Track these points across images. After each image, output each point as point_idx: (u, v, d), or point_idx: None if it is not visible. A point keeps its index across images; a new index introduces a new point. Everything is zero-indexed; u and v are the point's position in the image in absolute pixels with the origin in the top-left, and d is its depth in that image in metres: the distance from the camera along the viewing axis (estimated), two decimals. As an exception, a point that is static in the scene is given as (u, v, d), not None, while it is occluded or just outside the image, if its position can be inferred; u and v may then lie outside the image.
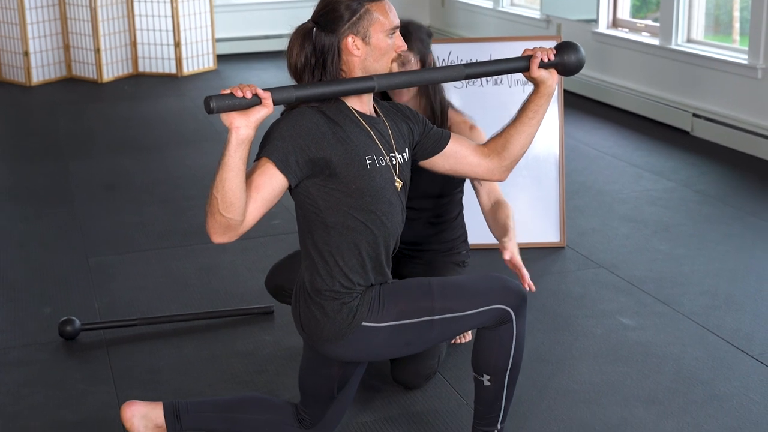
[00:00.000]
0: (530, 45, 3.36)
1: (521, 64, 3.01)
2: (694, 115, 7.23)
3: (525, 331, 2.95)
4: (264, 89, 2.63)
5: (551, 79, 3.02)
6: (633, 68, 8.05)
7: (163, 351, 4.04)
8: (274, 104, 2.65)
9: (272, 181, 2.72)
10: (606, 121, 7.82)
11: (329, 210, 2.79)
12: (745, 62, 6.77)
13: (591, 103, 8.36)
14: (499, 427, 3.06)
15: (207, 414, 3.15)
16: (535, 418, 3.47)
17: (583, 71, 8.51)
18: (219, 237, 2.69)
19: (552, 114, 5.14)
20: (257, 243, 5.20)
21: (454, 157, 3.06)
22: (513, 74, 5.06)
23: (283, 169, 2.71)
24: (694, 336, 4.08)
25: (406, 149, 2.96)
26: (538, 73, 3.00)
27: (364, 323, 2.83)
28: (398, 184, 2.88)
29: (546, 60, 3.00)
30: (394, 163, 2.88)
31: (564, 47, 3.03)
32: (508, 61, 3.02)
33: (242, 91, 2.59)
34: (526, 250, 5.02)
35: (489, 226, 3.64)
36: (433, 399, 3.62)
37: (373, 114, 2.91)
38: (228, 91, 2.59)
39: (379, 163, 2.83)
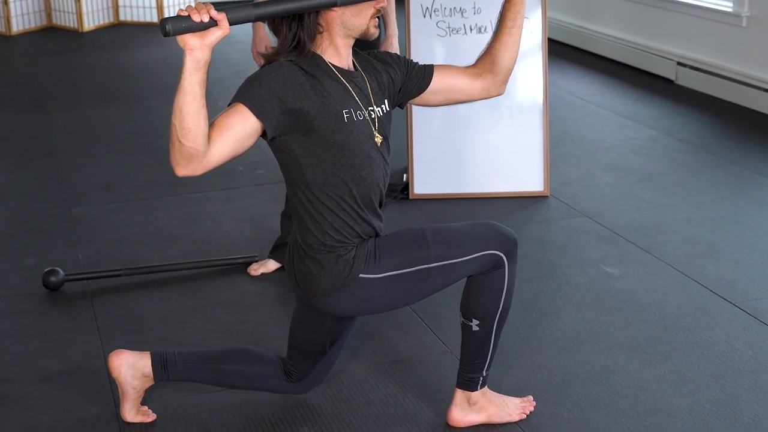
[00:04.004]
0: None
1: None
2: (678, 63, 7.23)
3: (515, 278, 2.97)
4: (219, 10, 2.60)
5: None
6: (617, 16, 8.02)
7: (147, 301, 4.04)
8: (231, 24, 2.59)
9: (244, 123, 2.66)
10: (590, 69, 7.80)
11: (310, 167, 2.78)
12: (729, 10, 6.75)
13: (575, 52, 8.34)
14: (484, 373, 3.07)
15: (194, 365, 3.15)
16: (519, 366, 3.50)
17: (566, 19, 8.49)
18: (182, 169, 2.59)
19: (536, 62, 5.12)
20: (241, 193, 5.19)
21: (444, 88, 3.04)
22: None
23: (258, 113, 2.66)
24: (677, 284, 4.10)
25: (386, 101, 2.94)
26: None
27: (361, 275, 2.83)
28: (378, 139, 2.87)
29: None
30: (372, 117, 2.86)
31: None
32: None
33: (199, 14, 2.55)
34: (509, 199, 5.03)
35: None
36: (417, 347, 3.63)
37: (351, 68, 2.89)
38: (185, 13, 2.55)
39: (356, 117, 2.81)
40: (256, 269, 4.26)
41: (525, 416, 3.17)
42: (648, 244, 4.48)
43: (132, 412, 3.17)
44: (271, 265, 4.26)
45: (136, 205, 5.10)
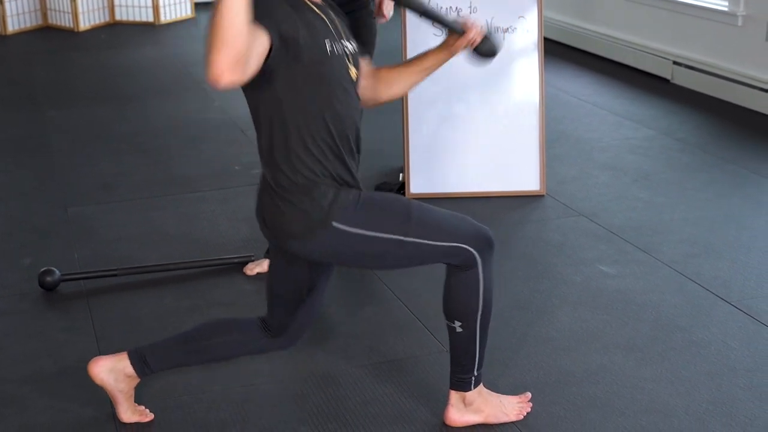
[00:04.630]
0: None
1: (455, 28, 3.01)
2: (675, 62, 7.23)
3: (492, 278, 2.97)
4: None
5: (459, 51, 3.05)
6: (613, 15, 8.02)
7: (143, 301, 4.04)
8: None
9: (259, 38, 2.54)
10: (586, 69, 7.81)
11: (290, 103, 2.72)
12: (725, 9, 6.76)
13: (571, 51, 8.34)
14: (476, 372, 3.07)
15: (173, 350, 3.13)
16: (515, 365, 3.50)
17: (562, 18, 8.50)
18: (230, 73, 2.36)
19: (532, 62, 5.12)
20: (237, 192, 5.19)
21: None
22: (494, 22, 5.07)
23: (268, 30, 2.57)
24: (673, 283, 4.10)
25: (351, 40, 2.92)
26: (460, 45, 3.02)
27: (334, 224, 2.79)
28: (353, 72, 2.85)
29: (472, 43, 3.01)
30: (346, 51, 2.85)
31: (486, 43, 3.03)
32: (447, 18, 3.04)
33: None
34: (506, 198, 5.04)
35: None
36: (413, 347, 3.64)
37: (321, 3, 2.86)
38: None
39: (335, 49, 2.78)
40: (252, 269, 4.25)
41: (523, 416, 3.17)
42: (644, 244, 4.48)
43: (128, 413, 3.17)
44: (267, 265, 4.25)
45: (132, 204, 5.09)
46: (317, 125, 2.77)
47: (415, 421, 3.18)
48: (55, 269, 4.12)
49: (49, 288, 4.10)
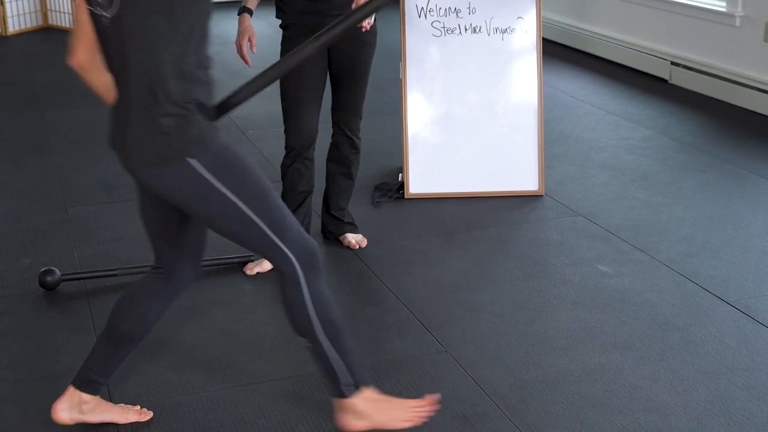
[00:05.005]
0: None
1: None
2: (672, 63, 7.25)
3: (325, 293, 2.91)
4: None
5: None
6: (611, 16, 8.04)
7: (143, 301, 4.05)
8: None
9: None
10: (584, 69, 7.82)
11: (181, 21, 2.64)
12: (723, 10, 6.77)
13: (569, 52, 8.35)
14: (351, 380, 2.98)
15: (106, 353, 3.09)
16: (514, 364, 3.51)
17: (561, 19, 8.51)
18: None
19: (530, 62, 5.14)
20: (237, 193, 5.20)
21: None
22: (493, 23, 5.09)
23: None
24: (671, 283, 4.12)
25: None
26: None
27: (190, 160, 2.69)
28: None
29: None
30: None
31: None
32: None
33: None
34: (504, 198, 5.05)
35: None
36: (412, 346, 3.65)
37: None
38: None
39: None
40: (252, 269, 4.27)
41: (419, 422, 3.05)
42: (642, 243, 4.49)
43: (120, 417, 3.18)
44: (267, 265, 4.27)
45: (132, 204, 5.09)
46: (197, 49, 2.69)
47: (414, 420, 3.19)
48: (55, 269, 4.14)
49: (49, 288, 4.11)
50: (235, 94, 2.85)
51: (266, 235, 2.81)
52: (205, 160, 2.71)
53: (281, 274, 2.88)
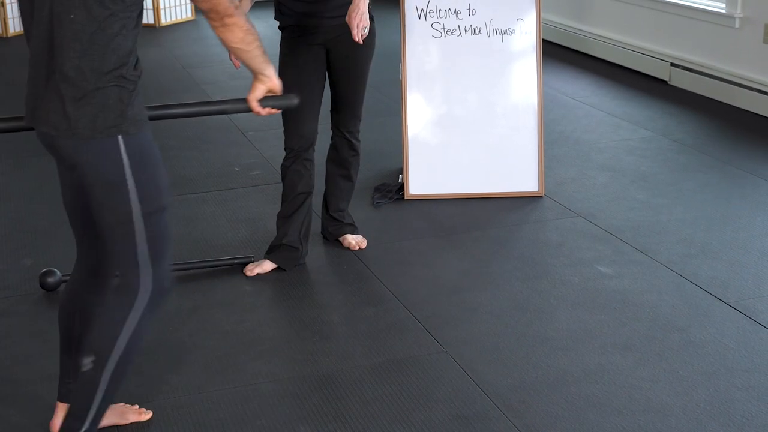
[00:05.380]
0: None
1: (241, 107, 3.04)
2: (672, 64, 7.25)
3: (147, 329, 2.85)
4: None
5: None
6: (611, 17, 8.04)
7: (144, 301, 4.05)
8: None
9: None
10: (584, 70, 7.82)
11: (133, 5, 2.64)
12: (723, 11, 6.78)
13: (569, 53, 8.36)
14: (87, 426, 2.85)
15: (73, 364, 3.00)
16: (514, 365, 3.52)
17: (560, 20, 8.52)
18: None
19: (530, 63, 5.14)
20: (237, 194, 5.21)
21: None
22: (493, 24, 5.09)
23: None
24: (671, 284, 4.12)
25: None
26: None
27: (119, 137, 2.65)
28: None
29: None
30: None
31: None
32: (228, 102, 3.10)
33: None
34: (504, 199, 5.05)
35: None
36: (412, 347, 3.65)
37: None
38: None
39: None
40: (252, 270, 4.27)
41: None
42: (642, 244, 4.50)
43: (119, 418, 3.18)
44: (267, 266, 4.27)
45: (132, 206, 5.10)
46: (135, 31, 2.67)
47: (415, 421, 3.19)
48: (55, 270, 4.14)
49: (50, 289, 4.12)
50: (161, 107, 2.94)
51: (137, 252, 2.75)
52: (131, 144, 2.68)
53: (125, 286, 2.78)
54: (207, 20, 2.82)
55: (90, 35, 2.61)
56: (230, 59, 4.21)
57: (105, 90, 2.63)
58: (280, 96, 3.03)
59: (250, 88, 2.98)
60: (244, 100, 3.00)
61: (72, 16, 2.60)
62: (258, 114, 3.00)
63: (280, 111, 3.09)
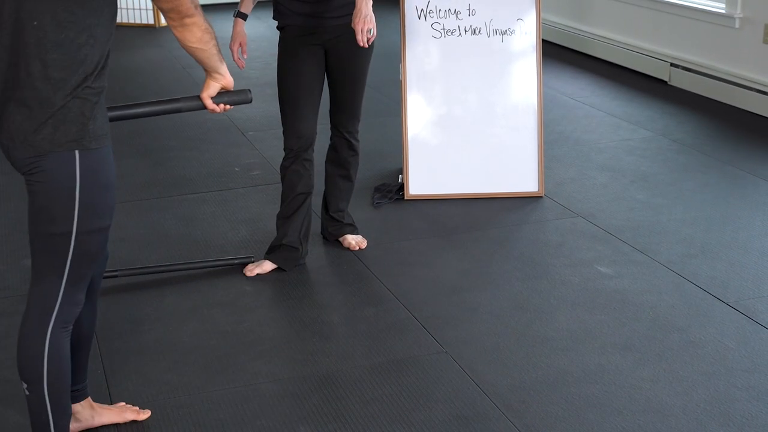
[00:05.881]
0: None
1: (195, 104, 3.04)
2: (672, 64, 7.25)
3: (65, 352, 2.80)
4: None
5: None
6: (610, 18, 8.04)
7: (143, 302, 4.06)
8: None
9: None
10: (584, 70, 7.83)
11: (109, 17, 2.64)
12: (722, 12, 6.78)
13: (569, 53, 8.36)
14: None
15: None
16: (514, 365, 3.52)
17: (560, 21, 8.52)
18: None
19: (530, 64, 5.14)
20: (237, 194, 5.21)
21: None
22: (492, 24, 5.10)
23: None
24: (671, 284, 4.12)
25: None
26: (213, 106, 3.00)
27: (78, 151, 2.59)
28: None
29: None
30: None
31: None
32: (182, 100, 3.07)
33: None
34: (504, 200, 5.05)
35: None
36: (412, 347, 3.65)
37: None
38: None
39: None
40: (252, 270, 4.27)
41: None
42: (642, 244, 4.50)
43: (118, 418, 3.18)
44: (267, 266, 4.28)
45: (132, 206, 5.11)
46: (105, 40, 2.65)
47: (415, 421, 3.20)
48: (55, 270, 4.14)
49: (49, 289, 4.11)
50: (117, 108, 2.91)
51: (67, 268, 2.70)
52: (86, 160, 2.63)
53: (43, 299, 2.74)
54: (166, 19, 2.80)
55: (54, 44, 2.53)
56: (233, 59, 4.24)
57: (67, 103, 2.57)
58: (235, 91, 3.04)
59: (202, 86, 2.99)
60: (198, 98, 3.00)
61: (35, 23, 2.51)
62: (213, 111, 3.00)
63: (232, 107, 3.09)
